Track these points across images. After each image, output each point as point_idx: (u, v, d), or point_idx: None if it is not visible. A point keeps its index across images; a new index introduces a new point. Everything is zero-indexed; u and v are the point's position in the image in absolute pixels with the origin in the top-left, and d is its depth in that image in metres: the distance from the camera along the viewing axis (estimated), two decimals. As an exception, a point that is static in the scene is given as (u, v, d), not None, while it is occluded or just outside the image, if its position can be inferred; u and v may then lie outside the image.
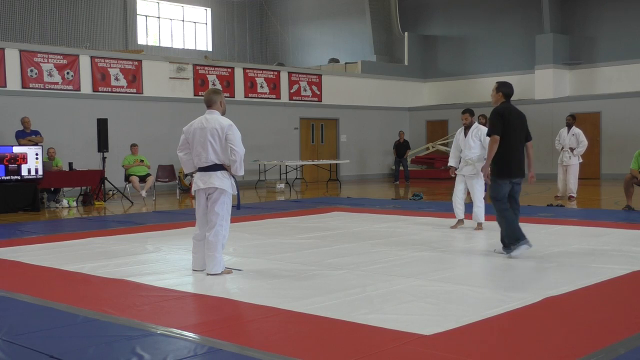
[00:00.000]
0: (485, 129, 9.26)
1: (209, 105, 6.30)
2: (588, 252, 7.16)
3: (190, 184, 16.62)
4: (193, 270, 6.37)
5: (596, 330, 4.36)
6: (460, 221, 9.33)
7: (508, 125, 6.91)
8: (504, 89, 7.15)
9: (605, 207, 12.25)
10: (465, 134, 9.18)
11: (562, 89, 20.99)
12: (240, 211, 12.07)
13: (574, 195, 13.62)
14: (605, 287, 5.60)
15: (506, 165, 6.91)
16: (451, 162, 9.42)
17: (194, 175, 6.41)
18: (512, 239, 6.84)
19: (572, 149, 13.57)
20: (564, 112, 17.04)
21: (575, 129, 13.77)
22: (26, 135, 13.91)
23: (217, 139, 6.11)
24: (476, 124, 9.26)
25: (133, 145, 15.60)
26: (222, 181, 6.15)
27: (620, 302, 5.22)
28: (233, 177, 6.25)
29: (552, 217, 10.38)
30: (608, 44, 20.53)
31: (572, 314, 4.83)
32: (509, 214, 6.92)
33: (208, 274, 6.14)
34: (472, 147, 9.07)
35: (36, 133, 14.08)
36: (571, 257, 6.71)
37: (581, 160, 13.75)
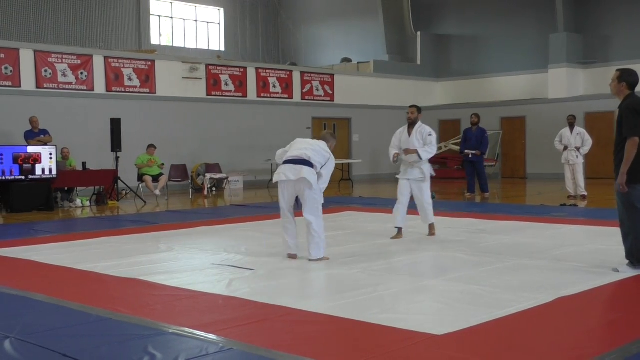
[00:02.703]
0: (428, 128, 8.42)
1: (321, 138, 7.14)
2: (602, 252, 7.11)
3: (204, 185, 16.75)
4: (287, 254, 6.92)
5: (609, 331, 4.33)
6: (401, 231, 8.46)
7: None
8: (629, 78, 6.05)
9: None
10: (409, 134, 8.36)
11: (576, 88, 20.85)
12: (252, 210, 12.14)
13: (586, 193, 13.64)
14: (619, 287, 5.56)
15: None
16: (395, 150, 8.45)
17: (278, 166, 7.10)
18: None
19: (577, 148, 13.61)
20: (578, 112, 16.94)
21: (579, 129, 13.90)
22: (35, 135, 13.93)
23: (320, 154, 6.84)
24: (420, 122, 8.43)
25: (150, 147, 15.56)
26: (311, 176, 6.69)
27: (633, 302, 5.19)
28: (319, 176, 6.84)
29: (566, 216, 10.33)
30: (622, 43, 20.37)
31: (585, 314, 4.80)
32: None
33: (310, 260, 6.69)
34: (416, 147, 8.30)
35: (45, 132, 14.11)
36: (584, 257, 6.67)
37: (583, 160, 13.82)
